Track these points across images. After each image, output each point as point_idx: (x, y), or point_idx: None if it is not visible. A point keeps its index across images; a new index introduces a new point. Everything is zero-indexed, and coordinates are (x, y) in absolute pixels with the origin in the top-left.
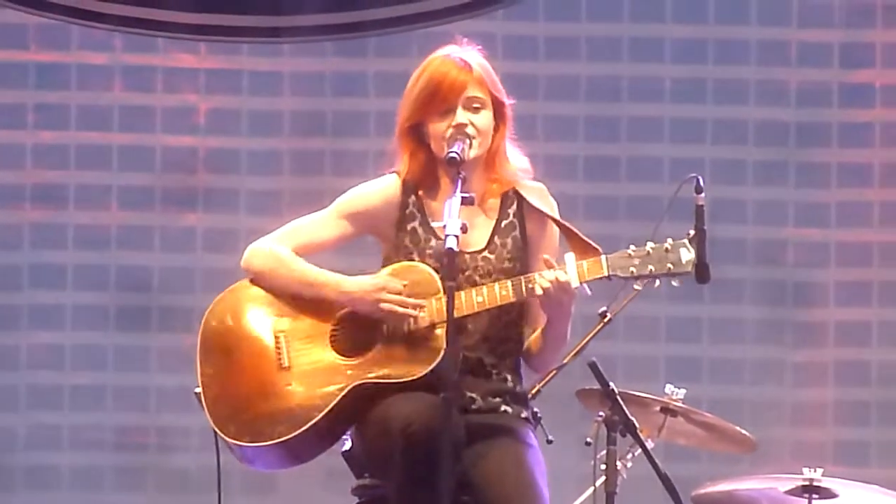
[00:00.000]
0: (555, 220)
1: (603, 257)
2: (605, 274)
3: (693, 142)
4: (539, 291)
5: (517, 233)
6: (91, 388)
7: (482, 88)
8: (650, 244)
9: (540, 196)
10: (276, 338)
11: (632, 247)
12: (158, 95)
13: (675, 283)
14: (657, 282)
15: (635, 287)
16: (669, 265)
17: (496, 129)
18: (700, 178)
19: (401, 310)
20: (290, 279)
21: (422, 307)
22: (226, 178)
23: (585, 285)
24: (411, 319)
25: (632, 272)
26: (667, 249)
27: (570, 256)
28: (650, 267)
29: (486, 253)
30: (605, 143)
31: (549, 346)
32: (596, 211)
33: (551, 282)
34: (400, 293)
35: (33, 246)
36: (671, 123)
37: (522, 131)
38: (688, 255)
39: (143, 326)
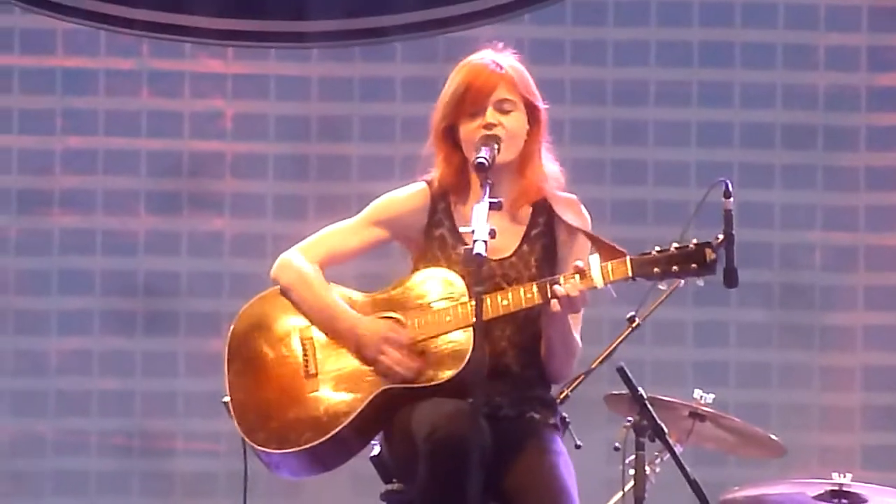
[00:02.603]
0: (584, 232)
1: (627, 258)
2: (630, 274)
3: (721, 146)
4: (562, 292)
5: (546, 242)
6: (118, 393)
7: (513, 91)
8: (674, 244)
9: (572, 209)
10: (304, 345)
11: (656, 247)
12: (186, 101)
13: (699, 283)
14: (682, 282)
15: (660, 287)
16: (694, 264)
17: (529, 133)
18: (728, 182)
19: (396, 367)
20: (309, 302)
21: (414, 368)
22: (253, 183)
23: (610, 287)
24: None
25: (656, 272)
26: (691, 249)
27: (594, 258)
28: (674, 267)
29: (513, 259)
30: (632, 147)
31: (554, 349)
32: (623, 215)
33: (576, 284)
34: (402, 348)
35: (62, 251)
36: (698, 127)
37: (549, 135)
38: (712, 254)
39: (170, 331)
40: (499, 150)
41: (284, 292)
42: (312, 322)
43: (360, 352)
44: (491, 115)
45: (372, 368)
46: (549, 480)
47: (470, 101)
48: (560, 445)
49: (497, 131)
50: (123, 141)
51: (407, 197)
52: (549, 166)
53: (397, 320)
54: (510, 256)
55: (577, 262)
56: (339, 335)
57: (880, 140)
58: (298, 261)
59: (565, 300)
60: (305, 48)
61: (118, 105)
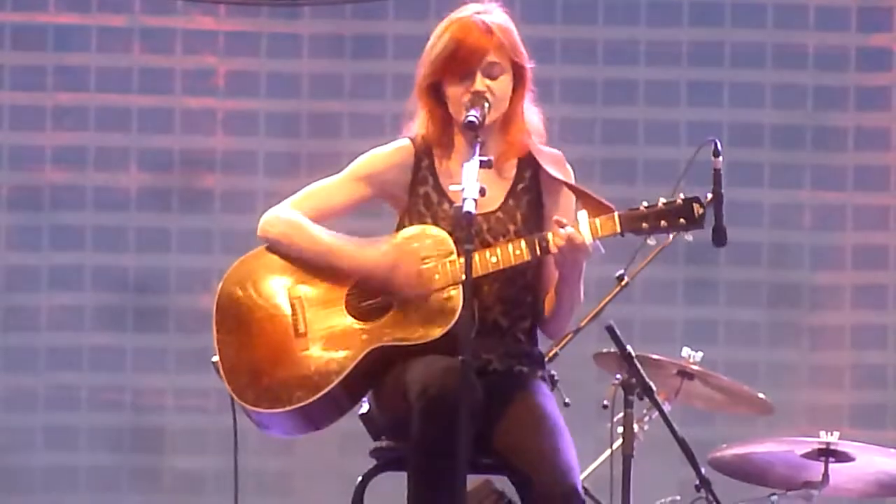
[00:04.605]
0: (568, 185)
1: (615, 213)
2: (618, 230)
3: (710, 105)
4: (553, 250)
5: (532, 197)
6: (108, 389)
7: (502, 54)
8: (662, 199)
9: (556, 164)
10: (293, 304)
11: (644, 203)
12: (178, 58)
13: (688, 238)
14: (670, 237)
15: (648, 242)
16: (682, 219)
17: (514, 91)
18: (718, 141)
19: (410, 284)
20: (306, 246)
21: (426, 285)
22: (244, 140)
23: (599, 243)
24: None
25: (644, 227)
26: (679, 204)
27: (582, 214)
28: (662, 222)
29: (498, 213)
30: (622, 107)
31: (563, 306)
32: (613, 174)
33: (565, 239)
34: (414, 270)
35: (52, 245)
36: (688, 86)
37: (539, 94)
38: (700, 208)
39: (159, 327)
40: (489, 109)
41: (276, 245)
42: (310, 267)
43: (370, 283)
44: (480, 81)
45: (363, 326)
46: (539, 417)
47: (459, 64)
48: (547, 390)
49: (486, 97)
50: (115, 97)
51: (390, 153)
52: (532, 119)
53: None
54: (496, 211)
55: (556, 217)
56: (341, 272)
57: (869, 100)
58: (285, 213)
59: (561, 253)
60: (297, 5)
61: (110, 62)
